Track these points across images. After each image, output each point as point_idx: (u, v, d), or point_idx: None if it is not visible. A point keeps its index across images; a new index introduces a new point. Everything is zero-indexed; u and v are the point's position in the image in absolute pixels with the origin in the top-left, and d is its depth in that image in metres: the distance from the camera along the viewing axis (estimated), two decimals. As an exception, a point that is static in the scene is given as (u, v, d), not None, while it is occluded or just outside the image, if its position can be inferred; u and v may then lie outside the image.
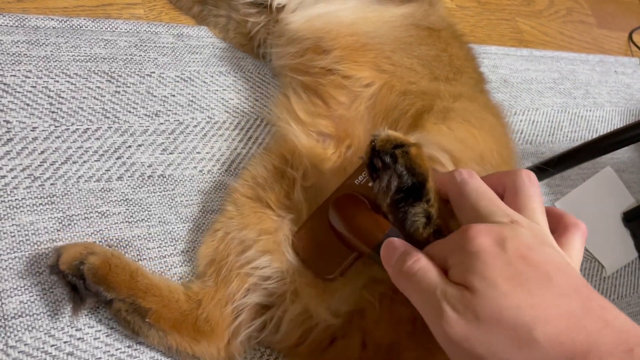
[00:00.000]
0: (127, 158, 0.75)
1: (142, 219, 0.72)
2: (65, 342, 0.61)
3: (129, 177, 0.74)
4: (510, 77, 1.29)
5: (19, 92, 0.73)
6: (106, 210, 0.71)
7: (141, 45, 0.86)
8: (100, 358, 0.62)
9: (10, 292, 0.61)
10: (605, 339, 0.36)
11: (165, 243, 0.72)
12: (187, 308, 0.64)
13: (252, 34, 0.89)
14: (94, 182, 0.72)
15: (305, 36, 0.79)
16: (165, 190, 0.76)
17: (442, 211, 0.52)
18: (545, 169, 1.06)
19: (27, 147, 0.70)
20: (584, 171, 1.24)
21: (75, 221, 0.68)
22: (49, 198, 0.68)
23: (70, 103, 0.76)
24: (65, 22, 0.82)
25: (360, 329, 0.60)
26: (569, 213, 0.48)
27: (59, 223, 0.67)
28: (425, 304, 0.42)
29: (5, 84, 0.73)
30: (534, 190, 0.47)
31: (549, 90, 1.34)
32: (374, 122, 0.73)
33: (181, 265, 0.71)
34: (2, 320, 0.60)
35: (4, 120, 0.71)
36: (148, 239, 0.71)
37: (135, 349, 0.64)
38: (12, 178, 0.67)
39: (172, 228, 0.73)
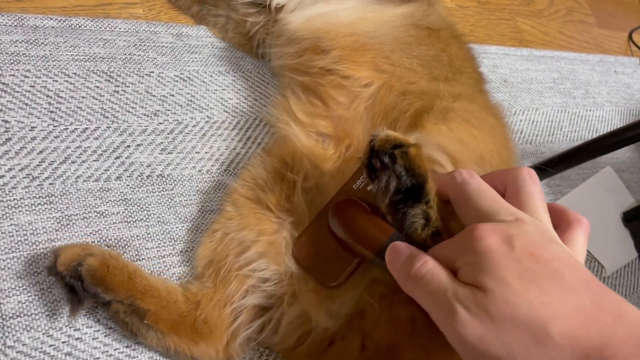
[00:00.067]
0: (125, 158, 0.75)
1: (141, 219, 0.72)
2: (63, 342, 0.61)
3: (127, 176, 0.74)
4: (510, 76, 1.29)
5: (17, 91, 0.73)
6: (105, 210, 0.70)
7: (140, 44, 0.86)
8: (98, 358, 0.62)
9: (9, 292, 0.61)
10: (620, 333, 0.36)
11: (164, 243, 0.72)
12: (186, 309, 0.64)
13: (251, 34, 0.89)
14: (93, 181, 0.72)
15: (304, 36, 0.79)
16: (164, 190, 0.75)
17: (441, 212, 0.51)
18: (545, 169, 1.06)
19: (25, 147, 0.70)
20: (584, 171, 1.24)
21: (73, 221, 0.68)
22: (47, 198, 0.68)
23: (69, 103, 0.75)
24: (64, 21, 0.81)
25: (359, 330, 0.60)
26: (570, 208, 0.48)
27: (58, 223, 0.67)
28: (436, 306, 0.42)
29: (3, 84, 0.73)
30: (535, 188, 0.47)
31: (549, 90, 1.34)
32: (373, 122, 0.73)
33: (180, 265, 0.71)
34: (0, 320, 0.60)
35: (2, 120, 0.70)
36: (147, 238, 0.71)
37: (134, 349, 0.64)
38: (10, 178, 0.67)
39: (171, 228, 0.73)
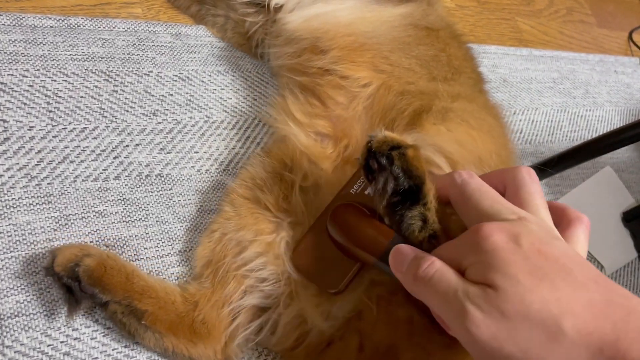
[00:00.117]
0: (124, 157, 0.75)
1: (140, 219, 0.72)
2: (61, 342, 0.61)
3: (126, 176, 0.74)
4: (509, 76, 1.29)
5: (16, 91, 0.73)
6: (103, 209, 0.70)
7: (139, 44, 0.86)
8: (97, 358, 0.62)
9: (7, 291, 0.61)
10: (632, 326, 0.36)
11: (162, 243, 0.72)
12: (184, 310, 0.63)
13: (250, 34, 0.89)
14: (91, 181, 0.71)
15: (302, 36, 0.79)
16: (162, 189, 0.75)
17: (440, 214, 0.51)
18: (545, 169, 1.06)
19: (24, 147, 0.70)
20: (584, 171, 1.24)
21: (72, 221, 0.68)
22: (46, 197, 0.68)
23: (67, 102, 0.75)
24: (62, 21, 0.81)
25: (357, 331, 0.60)
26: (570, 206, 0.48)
27: (56, 223, 0.67)
28: (446, 306, 0.42)
29: (2, 83, 0.73)
30: (535, 187, 0.47)
31: (549, 90, 1.34)
32: (371, 122, 0.73)
33: (178, 265, 0.71)
34: (-1, 321, 0.60)
35: (0, 120, 0.70)
36: (145, 238, 0.71)
37: (133, 349, 0.64)
38: (8, 177, 0.67)
39: (170, 228, 0.73)
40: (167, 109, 0.82)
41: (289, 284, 0.63)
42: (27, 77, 0.75)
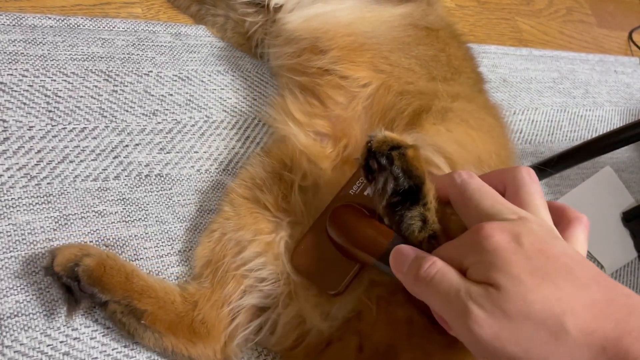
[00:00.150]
0: (124, 157, 0.75)
1: (139, 219, 0.72)
2: (61, 342, 0.61)
3: (126, 176, 0.74)
4: (509, 76, 1.29)
5: (15, 91, 0.73)
6: (103, 209, 0.70)
7: (139, 44, 0.86)
8: (96, 358, 0.62)
9: (6, 291, 0.61)
10: (634, 325, 0.36)
11: (162, 242, 0.72)
12: (183, 310, 0.63)
13: (250, 34, 0.89)
14: (91, 181, 0.71)
15: (302, 36, 0.79)
16: (162, 189, 0.75)
17: (440, 214, 0.51)
18: (545, 169, 1.06)
19: (23, 146, 0.70)
20: (584, 171, 1.24)
21: (71, 220, 0.68)
22: (45, 197, 0.68)
23: (67, 102, 0.75)
24: (62, 21, 0.81)
25: (356, 331, 0.59)
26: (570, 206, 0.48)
27: (56, 222, 0.67)
28: (449, 306, 0.41)
29: (2, 83, 0.73)
30: (535, 187, 0.47)
31: (549, 90, 1.34)
32: (371, 122, 0.73)
33: (178, 265, 0.71)
34: (-2, 320, 0.60)
35: (0, 119, 0.70)
36: (145, 238, 0.71)
37: (132, 349, 0.64)
38: (8, 177, 0.67)
39: (169, 227, 0.73)
40: (167, 109, 0.82)
41: (288, 284, 0.63)
42: (26, 76, 0.75)
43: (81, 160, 0.72)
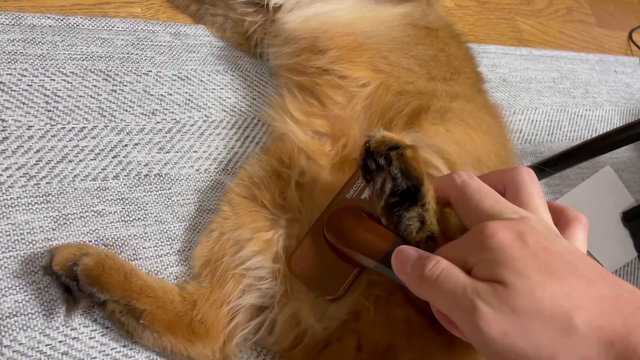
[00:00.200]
0: (123, 157, 0.75)
1: (138, 218, 0.72)
2: (60, 342, 0.61)
3: (125, 176, 0.74)
4: (509, 76, 1.29)
5: (14, 90, 0.73)
6: (102, 209, 0.70)
7: (138, 43, 0.86)
8: (95, 358, 0.62)
9: (5, 291, 0.61)
10: None
11: (161, 242, 0.72)
12: (182, 309, 0.63)
13: (249, 34, 0.89)
14: (90, 181, 0.71)
15: (301, 36, 0.78)
16: (161, 189, 0.75)
17: (439, 215, 0.51)
18: (544, 168, 1.06)
19: (22, 146, 0.70)
20: (583, 171, 1.24)
21: (70, 220, 0.68)
22: (44, 197, 0.68)
23: (66, 102, 0.75)
24: (61, 20, 0.81)
25: (355, 332, 0.59)
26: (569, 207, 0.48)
27: (55, 222, 0.67)
28: (455, 304, 0.41)
29: (1, 82, 0.73)
30: (535, 187, 0.47)
31: (548, 90, 1.34)
32: (370, 121, 0.73)
33: (177, 265, 0.71)
34: (-3, 320, 0.60)
35: (-1, 119, 0.71)
36: (144, 238, 0.71)
37: (131, 349, 0.64)
38: (7, 177, 0.67)
39: (169, 227, 0.73)
40: (166, 109, 0.82)
41: (286, 283, 0.63)
42: (25, 76, 0.75)
43: (80, 160, 0.72)
